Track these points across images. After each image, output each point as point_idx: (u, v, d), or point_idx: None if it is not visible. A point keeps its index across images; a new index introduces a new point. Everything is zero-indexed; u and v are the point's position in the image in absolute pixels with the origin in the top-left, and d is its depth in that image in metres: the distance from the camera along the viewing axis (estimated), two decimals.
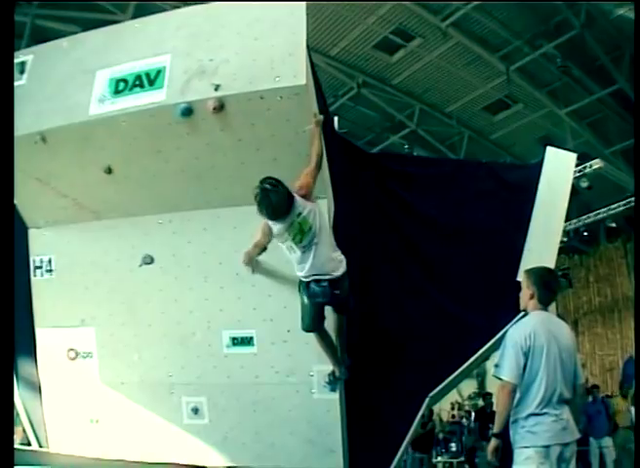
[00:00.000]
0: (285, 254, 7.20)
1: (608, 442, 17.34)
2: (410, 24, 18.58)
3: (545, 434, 5.68)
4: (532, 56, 19.43)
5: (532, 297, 6.16)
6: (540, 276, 6.29)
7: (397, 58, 20.12)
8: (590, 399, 17.82)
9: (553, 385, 5.79)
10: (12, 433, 5.97)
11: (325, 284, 7.02)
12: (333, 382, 7.73)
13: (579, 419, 6.00)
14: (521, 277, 6.61)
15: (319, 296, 7.08)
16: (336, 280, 7.06)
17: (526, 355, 5.81)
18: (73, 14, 16.17)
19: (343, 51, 19.62)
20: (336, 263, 7.09)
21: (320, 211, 7.05)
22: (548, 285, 6.30)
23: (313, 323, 7.32)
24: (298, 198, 6.82)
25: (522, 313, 6.58)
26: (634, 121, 16.51)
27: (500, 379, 5.88)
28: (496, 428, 5.97)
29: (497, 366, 6.00)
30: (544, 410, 5.74)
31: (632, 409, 18.50)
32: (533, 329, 5.93)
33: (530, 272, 6.40)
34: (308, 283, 7.07)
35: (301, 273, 7.08)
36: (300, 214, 6.81)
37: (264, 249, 7.43)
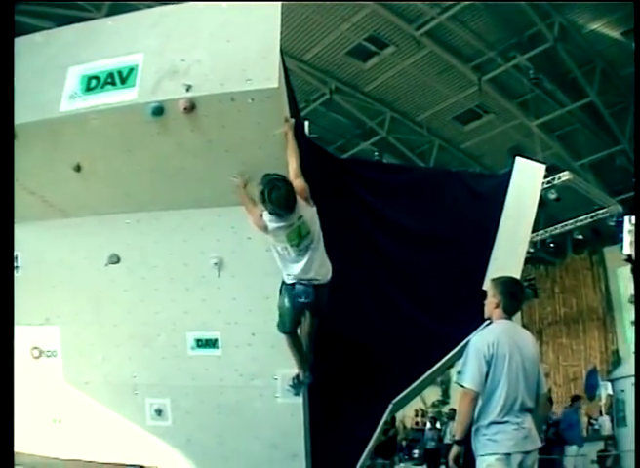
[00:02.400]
0: (252, 257, 7.20)
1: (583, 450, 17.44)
2: (384, 32, 18.67)
3: (507, 442, 5.68)
4: (504, 67, 19.61)
5: (497, 306, 6.14)
6: (507, 285, 6.29)
7: (370, 65, 20.21)
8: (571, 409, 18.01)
9: (515, 394, 5.79)
10: (12, 434, 5.92)
11: (311, 287, 7.02)
12: (297, 386, 7.72)
13: (541, 428, 6.02)
14: (487, 286, 6.62)
15: (302, 297, 7.04)
16: (322, 285, 7.10)
17: (488, 363, 5.80)
18: (47, 9, 16.12)
19: (317, 56, 19.67)
20: (325, 269, 7.13)
21: (315, 220, 7.06)
22: (514, 294, 6.29)
23: (292, 325, 7.33)
24: (300, 200, 6.84)
25: (487, 321, 6.58)
26: (635, 123, 16.65)
27: (462, 387, 5.88)
28: (457, 435, 5.97)
29: (459, 373, 6.01)
30: (506, 419, 5.74)
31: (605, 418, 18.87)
32: (496, 337, 5.93)
33: (496, 281, 6.39)
34: (293, 284, 7.06)
35: (291, 274, 7.06)
36: (301, 217, 6.84)
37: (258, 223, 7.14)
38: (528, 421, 5.83)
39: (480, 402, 5.84)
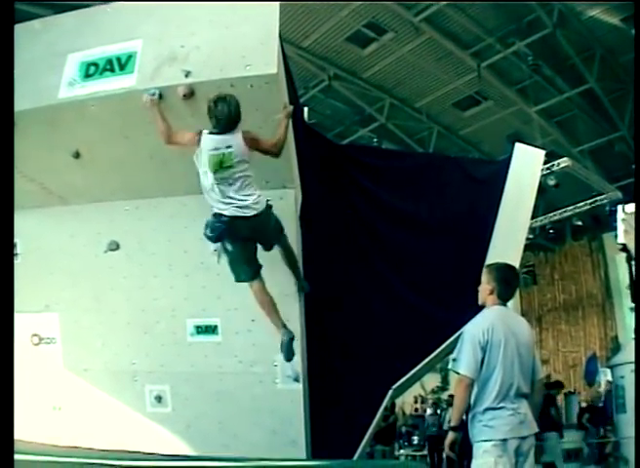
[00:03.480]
0: None
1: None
2: (383, 19, 18.59)
3: (503, 428, 5.68)
4: (503, 53, 19.53)
5: (491, 293, 6.10)
6: (501, 272, 6.26)
7: (369, 51, 20.11)
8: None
9: (510, 380, 5.79)
10: (12, 430, 5.91)
11: (224, 224, 6.89)
12: (288, 347, 7.42)
13: (537, 414, 6.02)
14: (482, 272, 6.59)
15: (208, 229, 6.98)
16: (256, 217, 6.95)
17: (483, 349, 5.77)
18: None
19: (316, 43, 19.57)
20: (252, 202, 6.91)
21: (246, 159, 6.87)
22: (508, 281, 6.26)
23: (250, 268, 7.20)
24: (243, 138, 6.80)
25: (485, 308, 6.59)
26: (635, 121, 16.63)
27: (457, 373, 5.88)
28: (453, 421, 5.99)
29: (454, 360, 5.99)
30: (501, 404, 5.73)
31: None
32: (491, 323, 5.90)
33: (490, 267, 6.37)
34: (229, 223, 6.91)
35: (217, 208, 6.92)
36: (229, 146, 6.76)
37: (170, 143, 7.13)
38: (524, 407, 5.82)
39: (476, 388, 5.85)
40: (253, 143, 6.86)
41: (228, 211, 6.84)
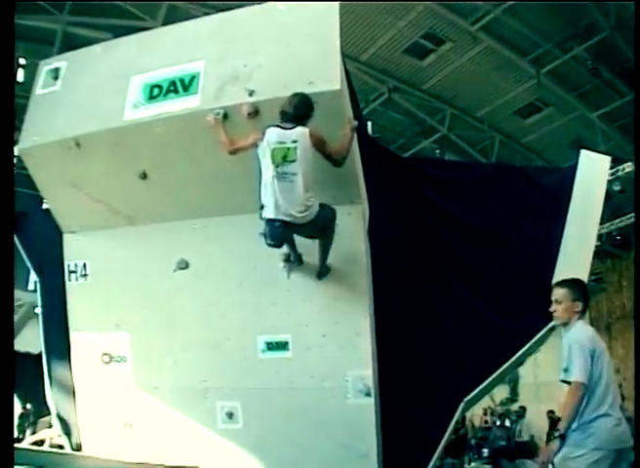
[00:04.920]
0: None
1: None
2: (440, 29, 18.53)
3: (609, 436, 5.69)
4: (562, 58, 19.31)
5: (577, 309, 6.19)
6: (584, 287, 6.37)
7: (427, 62, 20.05)
8: None
9: (613, 388, 5.86)
10: (12, 433, 5.98)
11: (280, 229, 7.03)
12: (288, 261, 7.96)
13: None
14: (559, 290, 6.50)
15: (269, 239, 7.13)
16: (298, 225, 7.09)
17: (592, 357, 5.85)
18: (103, 21, 16.31)
19: (374, 56, 19.58)
20: (303, 208, 6.98)
21: (310, 159, 6.94)
22: (588, 296, 6.43)
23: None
24: (309, 136, 6.88)
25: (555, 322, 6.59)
26: (634, 127, 16.40)
27: (568, 383, 5.87)
28: (562, 429, 5.92)
29: (565, 370, 5.98)
30: (609, 412, 5.76)
31: None
32: (593, 333, 6.11)
33: (573, 285, 6.40)
34: (269, 221, 7.04)
35: (267, 207, 7.00)
36: (295, 141, 6.83)
37: (233, 151, 7.28)
38: (623, 416, 5.84)
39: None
40: (318, 143, 6.92)
41: (279, 216, 6.93)
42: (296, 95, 6.86)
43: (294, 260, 7.94)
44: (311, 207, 7.00)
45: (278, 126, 6.89)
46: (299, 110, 6.85)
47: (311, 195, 7.00)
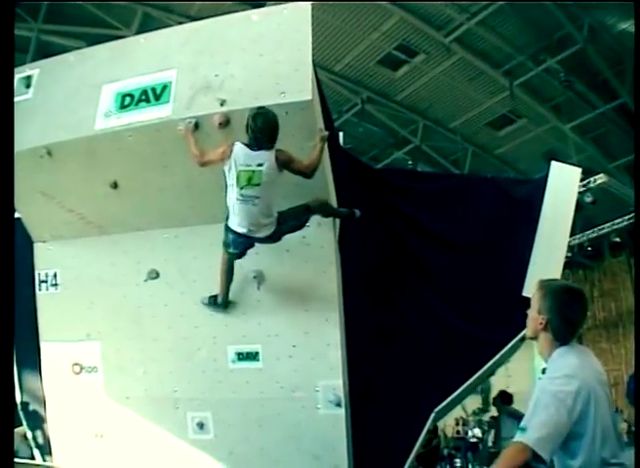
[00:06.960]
0: (291, 269, 7.24)
1: None
2: (413, 40, 18.64)
3: None
4: (535, 71, 19.47)
5: (542, 324, 4.44)
6: (557, 297, 5.22)
7: (401, 73, 20.16)
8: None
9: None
10: (12, 439, 5.94)
11: (242, 238, 7.18)
12: (212, 304, 8.15)
13: None
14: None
15: (231, 247, 7.33)
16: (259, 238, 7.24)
17: (569, 414, 3.96)
18: (77, 29, 16.30)
19: (347, 67, 19.68)
20: (262, 226, 7.12)
21: (275, 181, 6.97)
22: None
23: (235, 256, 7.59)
24: (276, 156, 6.89)
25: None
26: (635, 132, 16.53)
27: None
28: None
29: (522, 429, 5.04)
30: None
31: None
32: (580, 368, 4.01)
33: (541, 289, 4.51)
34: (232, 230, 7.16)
35: (232, 221, 7.10)
36: (261, 164, 6.83)
37: (203, 164, 7.24)
38: None
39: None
40: (286, 163, 6.92)
41: (244, 229, 7.05)
42: (259, 113, 6.80)
43: (221, 302, 8.07)
44: (271, 224, 7.12)
45: (246, 145, 6.89)
46: (264, 135, 6.81)
47: (273, 215, 7.11)
